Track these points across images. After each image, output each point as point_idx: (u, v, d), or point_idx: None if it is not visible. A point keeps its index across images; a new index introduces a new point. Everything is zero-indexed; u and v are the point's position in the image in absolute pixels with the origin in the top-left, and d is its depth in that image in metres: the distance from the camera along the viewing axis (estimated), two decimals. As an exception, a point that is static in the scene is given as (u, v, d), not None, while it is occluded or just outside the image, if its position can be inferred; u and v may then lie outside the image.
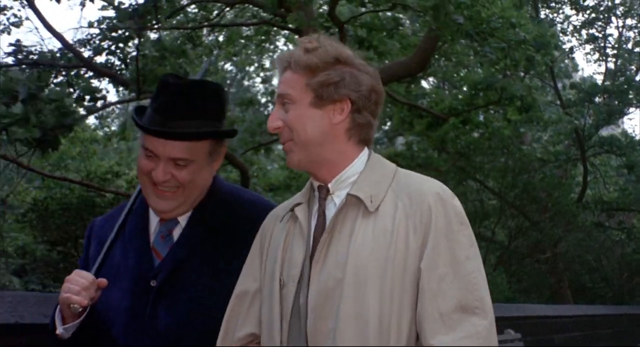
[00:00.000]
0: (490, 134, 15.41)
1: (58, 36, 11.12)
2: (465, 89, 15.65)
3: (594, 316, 15.47)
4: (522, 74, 15.06)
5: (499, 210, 18.56)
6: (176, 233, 2.63)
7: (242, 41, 17.07)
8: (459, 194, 19.18)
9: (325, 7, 13.40)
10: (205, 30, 15.38)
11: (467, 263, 2.14)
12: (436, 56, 14.44)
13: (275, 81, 22.05)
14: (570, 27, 24.01)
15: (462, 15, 10.13)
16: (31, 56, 11.32)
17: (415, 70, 12.92)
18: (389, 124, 18.88)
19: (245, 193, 2.82)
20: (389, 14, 12.17)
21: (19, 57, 10.80)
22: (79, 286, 2.40)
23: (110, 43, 12.95)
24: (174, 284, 2.53)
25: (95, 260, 2.58)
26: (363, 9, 11.27)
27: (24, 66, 11.00)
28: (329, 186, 2.30)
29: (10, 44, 11.34)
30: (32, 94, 7.63)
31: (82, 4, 12.58)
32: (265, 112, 19.88)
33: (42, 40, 12.14)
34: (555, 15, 23.50)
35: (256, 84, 22.05)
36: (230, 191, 2.75)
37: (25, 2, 10.36)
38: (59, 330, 2.45)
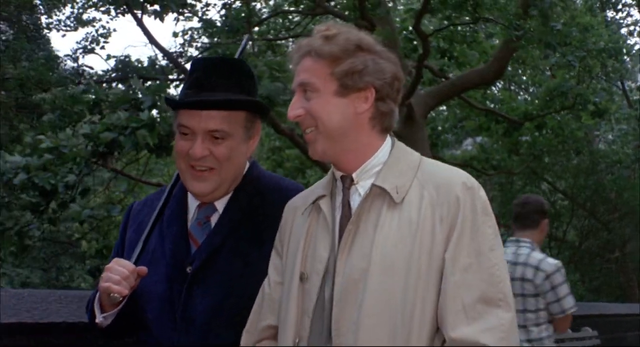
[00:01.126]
0: (564, 137, 15.76)
1: (164, 51, 11.85)
2: (531, 91, 16.05)
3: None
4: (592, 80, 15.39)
5: (570, 211, 18.85)
6: (214, 220, 2.61)
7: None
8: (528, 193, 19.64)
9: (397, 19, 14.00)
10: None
11: (490, 255, 2.11)
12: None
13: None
14: (638, 28, 24.10)
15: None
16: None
17: (491, 78, 13.40)
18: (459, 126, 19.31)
19: (283, 180, 2.79)
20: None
21: (127, 70, 11.51)
22: (120, 275, 2.39)
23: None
24: (208, 270, 2.51)
25: (133, 245, 2.59)
26: (446, 22, 11.76)
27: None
28: (353, 175, 2.26)
29: (118, 58, 12.06)
30: (153, 103, 8.31)
31: (176, 19, 13.38)
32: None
33: (155, 55, 12.55)
34: (620, 16, 23.64)
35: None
36: (267, 177, 2.73)
37: (134, 21, 11.08)
38: (99, 318, 2.48)
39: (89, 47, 12.32)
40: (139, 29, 11.33)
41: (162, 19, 10.70)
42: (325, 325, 2.15)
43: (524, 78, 17.91)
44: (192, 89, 2.50)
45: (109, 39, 14.42)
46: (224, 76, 2.54)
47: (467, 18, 11.57)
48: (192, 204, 2.64)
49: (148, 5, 10.68)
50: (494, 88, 17.93)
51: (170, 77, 12.43)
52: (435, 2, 11.12)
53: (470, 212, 2.12)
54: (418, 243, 2.09)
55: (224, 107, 2.51)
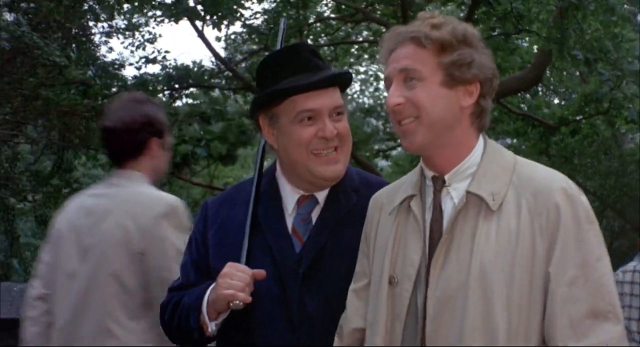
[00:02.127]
0: (594, 139, 16.09)
1: (221, 60, 12.23)
2: (565, 96, 16.41)
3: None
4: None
5: (600, 212, 19.13)
6: (315, 215, 2.59)
7: (355, 52, 18.03)
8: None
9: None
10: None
11: (597, 265, 2.03)
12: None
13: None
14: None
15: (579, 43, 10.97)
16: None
17: (530, 84, 13.79)
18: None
19: (372, 176, 2.80)
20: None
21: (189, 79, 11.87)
22: (242, 281, 2.35)
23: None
24: (317, 269, 2.49)
25: (221, 245, 2.58)
26: (492, 33, 12.13)
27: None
28: (446, 177, 2.19)
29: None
30: (218, 113, 8.75)
31: (227, 26, 13.76)
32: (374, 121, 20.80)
33: (218, 66, 12.89)
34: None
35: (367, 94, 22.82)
36: (358, 173, 2.74)
37: (195, 32, 11.46)
38: (212, 328, 2.43)
39: (150, 57, 12.72)
40: (174, 34, 11.69)
41: (219, 29, 11.10)
42: (419, 337, 2.10)
43: (554, 82, 18.20)
44: (301, 73, 2.49)
45: (156, 45, 14.84)
46: (318, 57, 2.58)
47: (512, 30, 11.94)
48: (291, 198, 2.61)
49: (207, 16, 11.06)
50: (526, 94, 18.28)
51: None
52: (479, 13, 11.52)
53: (572, 221, 2.03)
54: (519, 255, 2.01)
55: (340, 83, 2.58)
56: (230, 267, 2.38)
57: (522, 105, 16.28)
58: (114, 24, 13.79)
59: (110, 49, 15.26)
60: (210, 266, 2.58)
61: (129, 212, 3.17)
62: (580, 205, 2.07)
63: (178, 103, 12.68)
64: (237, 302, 2.32)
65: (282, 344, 2.47)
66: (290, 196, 2.61)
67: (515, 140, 18.15)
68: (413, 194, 2.22)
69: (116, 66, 12.49)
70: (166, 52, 12.91)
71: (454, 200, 2.16)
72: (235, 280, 2.34)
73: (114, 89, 11.57)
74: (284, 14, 12.61)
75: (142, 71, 12.30)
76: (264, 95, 2.55)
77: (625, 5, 11.58)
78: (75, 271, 3.22)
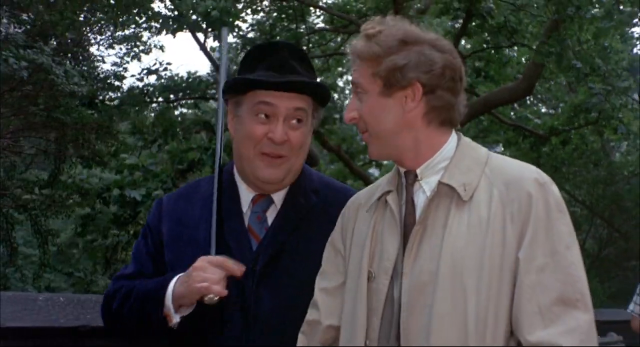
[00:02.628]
0: (584, 150, 16.35)
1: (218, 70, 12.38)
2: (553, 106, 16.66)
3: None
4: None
5: (589, 220, 19.40)
6: (270, 213, 2.56)
7: (347, 63, 18.21)
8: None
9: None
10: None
11: (567, 253, 2.00)
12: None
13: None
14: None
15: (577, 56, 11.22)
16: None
17: (521, 95, 13.99)
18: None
19: (333, 180, 2.78)
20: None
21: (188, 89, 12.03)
22: (217, 275, 2.30)
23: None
24: (274, 269, 2.45)
25: (177, 240, 2.53)
26: (485, 46, 12.35)
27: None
28: (417, 171, 2.18)
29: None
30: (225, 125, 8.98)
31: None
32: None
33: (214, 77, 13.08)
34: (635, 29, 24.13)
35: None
36: (319, 176, 2.72)
37: (198, 46, 11.60)
38: (176, 320, 2.38)
39: (152, 68, 12.87)
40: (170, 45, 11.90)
41: (220, 41, 11.24)
42: (394, 328, 2.09)
43: (542, 91, 18.45)
44: (273, 70, 2.47)
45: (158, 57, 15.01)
46: (298, 60, 2.53)
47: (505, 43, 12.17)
48: (246, 197, 2.58)
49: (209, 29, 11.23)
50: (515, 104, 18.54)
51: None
52: (473, 26, 11.74)
53: (543, 209, 2.02)
54: (489, 243, 2.01)
55: (310, 91, 2.51)
56: (203, 261, 2.33)
57: (512, 115, 16.51)
58: (110, 35, 13.92)
59: (102, 59, 15.38)
60: (164, 261, 2.54)
61: None
62: (552, 194, 2.06)
63: (183, 110, 12.95)
64: (212, 296, 2.27)
65: (236, 344, 2.41)
66: (245, 194, 2.58)
67: (503, 149, 18.38)
68: (389, 190, 2.22)
69: (116, 77, 12.62)
70: (168, 64, 13.04)
71: (426, 193, 2.15)
72: (209, 273, 2.29)
73: (115, 102, 11.73)
74: (279, 26, 12.78)
75: (143, 82, 12.43)
76: (232, 80, 2.55)
77: (622, 7, 11.79)
78: None
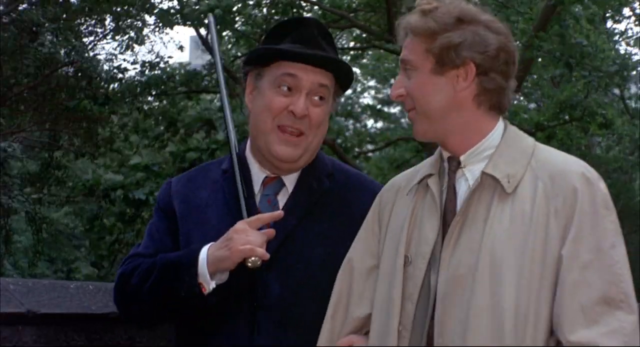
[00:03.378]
0: (569, 145, 16.69)
1: (226, 69, 12.56)
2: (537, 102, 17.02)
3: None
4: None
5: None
6: (281, 197, 2.52)
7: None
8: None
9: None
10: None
11: (612, 252, 1.96)
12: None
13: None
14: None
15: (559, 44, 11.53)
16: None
17: (509, 92, 14.29)
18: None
19: (346, 166, 2.75)
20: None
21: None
22: (259, 238, 2.28)
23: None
24: (286, 253, 2.41)
25: (187, 221, 2.49)
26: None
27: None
28: (461, 158, 2.14)
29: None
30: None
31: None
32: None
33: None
34: (618, 26, 24.49)
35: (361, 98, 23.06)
36: (332, 161, 2.68)
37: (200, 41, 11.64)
38: (212, 286, 2.31)
39: (153, 61, 13.01)
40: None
41: (221, 37, 11.40)
42: (429, 317, 2.05)
43: (529, 87, 18.77)
44: (300, 43, 2.44)
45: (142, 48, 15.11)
46: (324, 38, 2.51)
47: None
48: (257, 178, 2.54)
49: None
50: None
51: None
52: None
53: (589, 205, 1.98)
54: (531, 238, 1.97)
55: (336, 68, 2.50)
56: (244, 224, 2.31)
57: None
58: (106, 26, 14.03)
59: (93, 48, 15.45)
60: (179, 236, 2.51)
61: None
62: (599, 190, 2.03)
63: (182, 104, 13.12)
64: (255, 258, 2.24)
65: (245, 330, 2.38)
66: (256, 175, 2.54)
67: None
68: (431, 173, 2.18)
69: (119, 70, 12.77)
70: (169, 57, 13.18)
71: (469, 181, 2.12)
72: (252, 236, 2.27)
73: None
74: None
75: (145, 76, 12.56)
76: (259, 49, 2.56)
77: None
78: None
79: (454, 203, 2.11)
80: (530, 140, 2.17)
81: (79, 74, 11.43)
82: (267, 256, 2.25)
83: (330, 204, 2.51)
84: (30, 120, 11.53)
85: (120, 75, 12.46)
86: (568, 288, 1.93)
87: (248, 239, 2.26)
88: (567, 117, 15.31)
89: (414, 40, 2.12)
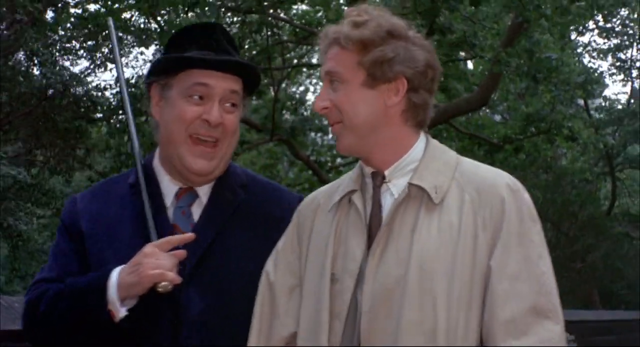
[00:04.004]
0: (536, 157, 17.12)
1: None
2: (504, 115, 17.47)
3: (627, 320, 17.03)
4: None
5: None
6: (195, 208, 2.43)
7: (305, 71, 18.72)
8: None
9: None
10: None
11: (540, 262, 1.98)
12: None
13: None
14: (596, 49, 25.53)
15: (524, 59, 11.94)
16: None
17: (477, 106, 14.64)
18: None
19: (259, 176, 2.69)
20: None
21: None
22: (169, 261, 2.18)
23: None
24: (205, 267, 2.33)
25: (95, 239, 2.36)
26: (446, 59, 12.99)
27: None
28: (386, 173, 2.11)
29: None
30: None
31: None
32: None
33: None
34: (581, 38, 25.08)
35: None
36: (244, 171, 2.61)
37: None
38: (122, 313, 2.21)
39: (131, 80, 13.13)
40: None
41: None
42: (357, 333, 2.01)
43: (495, 100, 19.20)
44: (208, 50, 2.38)
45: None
46: (229, 42, 2.46)
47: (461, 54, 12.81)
48: (169, 190, 2.43)
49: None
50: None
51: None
52: (433, 40, 12.33)
53: (516, 216, 1.99)
54: (460, 249, 1.96)
55: (247, 73, 2.43)
56: (153, 247, 2.21)
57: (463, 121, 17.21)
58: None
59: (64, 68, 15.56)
60: (88, 257, 2.38)
61: None
62: (525, 201, 2.04)
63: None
64: (166, 283, 2.16)
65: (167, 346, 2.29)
66: (168, 187, 2.44)
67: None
68: (354, 189, 2.14)
69: (100, 90, 12.90)
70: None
71: (394, 195, 2.08)
72: (162, 260, 2.18)
73: (99, 115, 12.07)
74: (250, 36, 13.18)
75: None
76: (165, 59, 2.43)
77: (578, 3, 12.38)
78: None
79: (379, 217, 2.08)
80: (452, 153, 2.17)
81: (69, 97, 11.59)
82: (178, 279, 2.18)
83: (246, 216, 2.44)
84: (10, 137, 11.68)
85: (99, 94, 12.60)
86: (498, 299, 1.93)
87: (158, 263, 2.17)
88: (534, 129, 15.67)
89: (343, 52, 2.08)
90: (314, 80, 20.99)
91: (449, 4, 10.98)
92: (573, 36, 23.20)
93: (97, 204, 2.46)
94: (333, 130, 2.14)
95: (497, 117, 20.45)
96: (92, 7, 12.38)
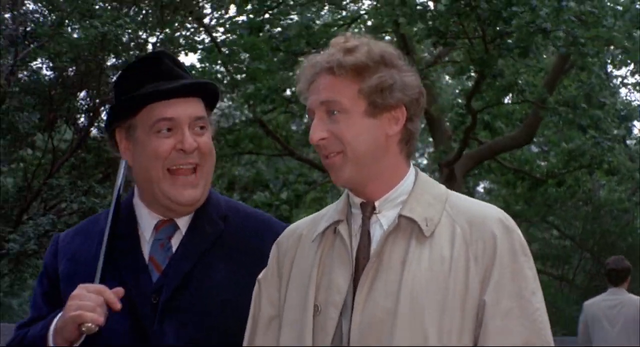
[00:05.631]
0: (576, 190, 17.75)
1: None
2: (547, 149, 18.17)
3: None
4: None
5: (580, 255, 20.71)
6: (175, 240, 2.36)
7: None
8: (541, 239, 21.77)
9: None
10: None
11: (532, 299, 1.94)
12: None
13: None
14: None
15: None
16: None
17: (522, 143, 15.39)
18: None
19: (242, 205, 2.62)
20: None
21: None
22: (92, 301, 2.10)
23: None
24: (179, 301, 2.27)
25: (73, 278, 2.29)
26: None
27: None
28: (376, 204, 2.05)
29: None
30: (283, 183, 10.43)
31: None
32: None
33: None
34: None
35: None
36: (226, 201, 2.53)
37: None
38: None
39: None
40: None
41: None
42: None
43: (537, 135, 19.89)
44: (161, 80, 2.31)
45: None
46: (178, 66, 2.41)
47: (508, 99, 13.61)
48: (148, 224, 2.38)
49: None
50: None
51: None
52: (485, 84, 13.10)
53: (508, 251, 1.95)
54: (452, 282, 1.91)
55: (207, 91, 2.39)
56: (80, 289, 2.15)
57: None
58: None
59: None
60: (62, 299, 2.28)
61: None
62: (517, 237, 1.99)
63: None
64: (89, 324, 2.07)
65: None
66: (147, 221, 2.38)
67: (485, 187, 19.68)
68: (340, 219, 2.08)
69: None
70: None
71: (384, 227, 2.02)
72: (85, 300, 2.11)
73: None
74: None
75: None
76: (120, 102, 2.35)
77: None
78: None
79: (368, 249, 2.01)
80: (442, 187, 2.12)
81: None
82: (100, 320, 2.08)
83: (226, 248, 2.35)
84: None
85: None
86: (491, 336, 1.90)
87: (79, 304, 2.10)
88: (575, 164, 16.31)
89: (338, 80, 1.99)
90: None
91: (500, 52, 11.71)
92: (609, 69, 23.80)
93: (79, 241, 2.43)
94: (329, 163, 2.05)
95: (535, 149, 21.06)
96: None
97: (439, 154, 14.81)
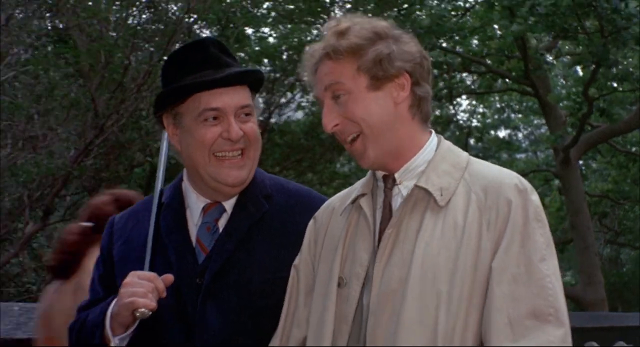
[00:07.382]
0: None
1: None
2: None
3: None
4: None
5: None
6: (222, 222, 2.40)
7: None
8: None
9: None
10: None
11: (542, 265, 1.91)
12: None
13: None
14: None
15: None
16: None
17: (635, 126, 16.18)
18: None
19: (288, 182, 2.61)
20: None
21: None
22: (145, 288, 2.17)
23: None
24: (222, 281, 2.31)
25: (127, 259, 2.39)
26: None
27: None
28: (396, 175, 2.07)
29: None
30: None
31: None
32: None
33: None
34: None
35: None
36: (271, 179, 2.55)
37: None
38: (114, 342, 2.23)
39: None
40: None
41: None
42: (362, 335, 2.00)
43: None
44: (207, 69, 2.34)
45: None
46: (225, 52, 2.43)
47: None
48: (196, 207, 2.43)
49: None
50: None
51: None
52: (601, 73, 14.00)
53: (521, 217, 1.94)
54: (463, 250, 1.93)
55: (252, 79, 2.41)
56: (132, 276, 2.22)
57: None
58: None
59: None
60: (116, 282, 2.37)
61: None
62: (532, 202, 1.98)
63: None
64: (142, 310, 2.14)
65: None
66: (195, 204, 2.43)
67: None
68: (363, 193, 2.12)
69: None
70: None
71: (403, 198, 2.06)
72: (137, 287, 2.18)
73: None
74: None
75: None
76: (167, 91, 2.39)
77: None
78: None
79: (389, 219, 2.05)
80: (464, 154, 2.13)
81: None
82: (153, 305, 2.15)
83: (269, 228, 2.39)
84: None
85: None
86: (497, 301, 1.89)
87: (132, 291, 2.17)
88: None
89: (337, 64, 2.04)
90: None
91: (618, 44, 12.59)
92: None
93: (133, 224, 2.50)
94: (352, 149, 2.09)
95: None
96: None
97: (555, 139, 15.59)
